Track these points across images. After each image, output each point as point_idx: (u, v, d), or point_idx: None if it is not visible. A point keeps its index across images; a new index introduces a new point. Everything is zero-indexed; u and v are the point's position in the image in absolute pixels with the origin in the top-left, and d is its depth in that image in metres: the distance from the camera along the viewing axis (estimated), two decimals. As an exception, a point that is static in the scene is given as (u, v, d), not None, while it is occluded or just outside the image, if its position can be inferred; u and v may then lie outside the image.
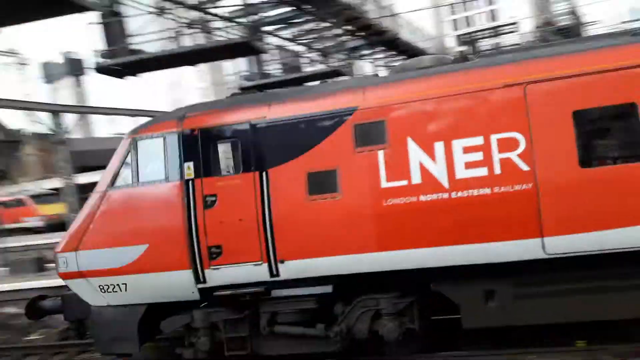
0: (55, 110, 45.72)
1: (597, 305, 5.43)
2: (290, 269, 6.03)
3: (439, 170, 5.64)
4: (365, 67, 27.56)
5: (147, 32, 12.44)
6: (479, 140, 5.57)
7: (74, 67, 67.50)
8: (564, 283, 5.50)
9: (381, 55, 26.51)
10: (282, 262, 6.05)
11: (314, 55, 21.68)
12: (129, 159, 6.64)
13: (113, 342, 6.72)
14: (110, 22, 11.71)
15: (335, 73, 19.63)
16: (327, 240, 5.91)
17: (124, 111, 17.95)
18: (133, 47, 12.19)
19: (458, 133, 5.66)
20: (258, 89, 9.18)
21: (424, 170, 5.69)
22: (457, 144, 5.63)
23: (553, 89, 5.46)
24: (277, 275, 6.06)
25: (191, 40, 13.65)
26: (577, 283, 5.46)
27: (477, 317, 5.87)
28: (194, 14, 13.53)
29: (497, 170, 5.47)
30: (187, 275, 6.23)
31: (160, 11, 12.29)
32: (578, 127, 5.32)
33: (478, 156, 5.55)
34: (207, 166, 6.36)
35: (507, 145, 5.48)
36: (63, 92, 65.15)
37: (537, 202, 5.30)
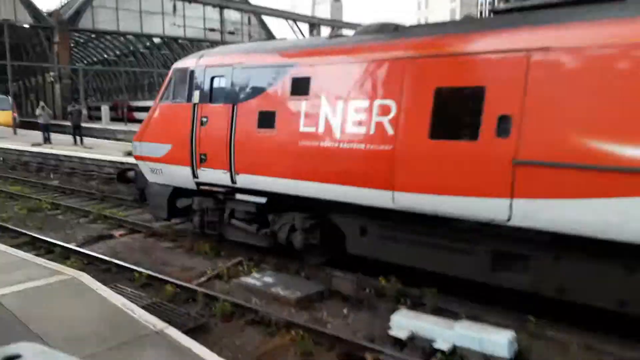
0: (312, 23, 51.52)
1: (434, 259, 6.45)
2: (241, 180, 7.99)
3: (335, 124, 6.89)
4: None
5: None
6: (366, 104, 6.61)
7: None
8: (409, 233, 6.65)
9: None
10: (237, 174, 8.00)
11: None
12: (171, 83, 9.13)
13: (155, 208, 9.73)
14: None
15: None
16: (264, 164, 7.66)
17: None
18: None
19: (354, 95, 6.71)
20: (515, 11, 7.65)
21: (326, 122, 6.97)
22: (351, 105, 6.74)
23: (423, 65, 6.15)
24: (235, 183, 8.08)
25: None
26: (419, 236, 6.55)
27: (356, 247, 7.31)
28: None
29: (372, 130, 6.51)
30: (188, 170, 8.67)
31: None
32: (435, 103, 5.96)
33: (363, 117, 6.61)
34: (206, 95, 8.48)
35: (383, 110, 6.42)
36: (321, 6, 72.62)
37: (393, 162, 6.29)
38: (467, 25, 6.51)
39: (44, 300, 5.51)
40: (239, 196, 8.31)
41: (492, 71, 5.65)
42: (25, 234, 9.80)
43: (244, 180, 7.97)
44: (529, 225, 5.47)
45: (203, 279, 7.58)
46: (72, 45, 51.38)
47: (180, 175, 8.90)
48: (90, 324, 4.90)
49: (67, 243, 9.19)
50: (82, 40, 57.99)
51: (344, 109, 6.77)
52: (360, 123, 6.61)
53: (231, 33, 45.12)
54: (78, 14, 46.55)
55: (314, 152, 7.07)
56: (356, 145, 6.62)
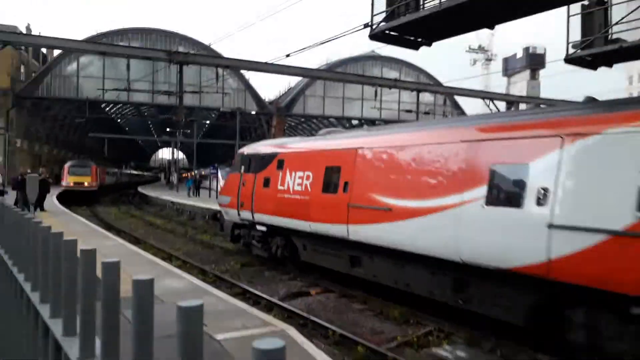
0: (510, 101, 50.22)
1: (330, 262, 11.25)
2: (256, 217, 13.42)
3: (291, 184, 12.09)
4: None
5: (629, 20, 11.43)
6: (302, 174, 11.82)
7: (534, 61, 71.21)
8: (320, 247, 11.44)
9: None
10: (255, 213, 13.44)
11: None
12: (234, 161, 15.86)
13: (226, 235, 15.97)
14: (592, 11, 11.48)
15: None
16: (265, 207, 13.05)
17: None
18: (613, 36, 11.59)
19: (299, 169, 11.97)
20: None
21: (288, 184, 12.19)
22: (298, 174, 11.96)
23: (320, 154, 11.55)
24: (254, 219, 13.57)
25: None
26: (323, 248, 11.32)
27: (303, 257, 12.30)
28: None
29: (302, 188, 11.65)
30: (236, 212, 14.46)
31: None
32: (325, 174, 11.02)
33: (300, 180, 11.79)
34: (246, 168, 14.44)
35: (307, 177, 11.58)
36: (518, 85, 70.20)
37: (308, 204, 11.30)
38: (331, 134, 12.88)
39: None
40: (257, 227, 13.75)
41: (342, 157, 10.61)
42: (239, 285, 11.17)
43: (257, 217, 13.46)
44: (355, 239, 9.83)
45: (393, 344, 7.58)
46: (285, 127, 58.79)
47: (233, 214, 14.77)
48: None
49: (271, 297, 10.17)
50: (293, 124, 66.05)
51: (294, 176, 12.06)
52: (299, 184, 11.81)
53: (426, 113, 46.54)
54: (293, 101, 53.62)
55: (283, 201, 12.30)
56: (297, 196, 11.75)
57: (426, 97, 52.79)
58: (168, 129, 55.21)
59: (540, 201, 6.49)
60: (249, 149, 14.96)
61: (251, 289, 10.74)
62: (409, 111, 44.79)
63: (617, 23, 11.79)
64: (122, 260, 6.81)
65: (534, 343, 7.05)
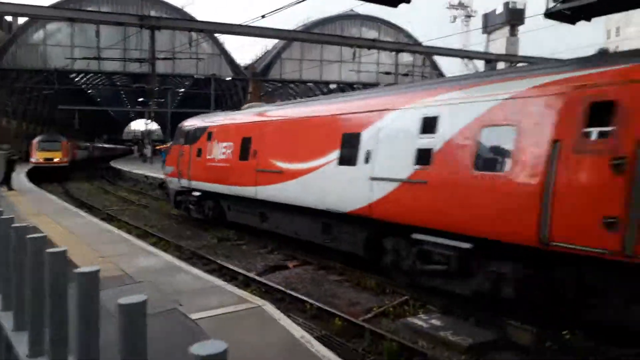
0: (488, 59, 49.66)
1: (249, 219, 13.48)
2: (192, 184, 15.53)
3: (217, 154, 14.16)
4: None
5: None
6: (225, 144, 13.96)
7: (513, 16, 70.58)
8: (241, 207, 13.62)
9: None
10: (191, 180, 15.59)
11: None
12: (175, 133, 18.36)
13: (170, 201, 18.08)
14: None
15: None
16: (198, 175, 15.11)
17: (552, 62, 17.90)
18: None
19: (223, 140, 14.12)
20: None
21: (215, 153, 14.31)
22: (222, 144, 14.07)
23: (239, 126, 13.82)
24: (190, 185, 15.71)
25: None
26: (243, 208, 13.56)
27: (229, 215, 14.55)
28: None
29: (225, 156, 13.78)
30: (177, 180, 16.63)
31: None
32: (242, 144, 13.11)
33: (224, 150, 13.86)
34: (184, 140, 16.55)
35: (229, 147, 13.71)
36: (497, 42, 69.58)
37: (229, 171, 13.44)
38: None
39: (233, 326, 5.95)
40: (193, 193, 15.72)
41: (253, 130, 12.96)
42: (215, 262, 11.02)
43: (194, 184, 15.50)
44: (261, 197, 12.04)
45: (369, 315, 7.57)
46: (262, 93, 57.77)
47: (175, 183, 16.72)
48: (275, 353, 5.14)
49: (249, 272, 10.05)
50: (270, 89, 64.91)
51: (220, 147, 14.15)
52: (223, 153, 13.89)
53: (405, 75, 46.00)
54: (269, 66, 52.44)
55: (212, 168, 14.35)
56: (221, 163, 13.89)
57: (405, 58, 52.11)
58: (141, 99, 53.86)
59: (367, 160, 8.98)
60: (188, 123, 16.89)
61: (228, 265, 10.60)
62: (388, 73, 44.21)
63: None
64: (94, 238, 6.55)
65: (506, 311, 7.07)
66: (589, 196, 5.64)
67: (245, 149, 12.82)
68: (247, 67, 52.65)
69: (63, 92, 51.23)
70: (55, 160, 33.68)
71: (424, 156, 7.87)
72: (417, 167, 7.91)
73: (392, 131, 8.61)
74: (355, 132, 9.36)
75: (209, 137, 14.77)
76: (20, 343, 1.49)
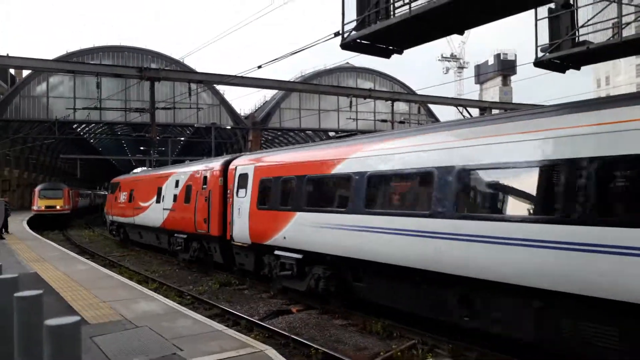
0: (483, 107, 50.44)
1: (148, 240, 21.37)
2: (113, 218, 25.74)
3: (121, 198, 23.91)
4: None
5: (595, 22, 11.94)
6: (124, 193, 23.58)
7: (505, 67, 72.78)
8: (142, 231, 21.85)
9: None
10: (113, 216, 25.97)
11: None
12: (110, 185, 29.02)
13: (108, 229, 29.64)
14: (559, 15, 11.69)
15: None
16: (114, 212, 25.21)
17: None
18: (580, 38, 11.90)
19: (123, 190, 24.16)
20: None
21: (120, 198, 24.19)
22: (123, 193, 23.94)
23: (129, 181, 24.00)
24: (112, 219, 26.09)
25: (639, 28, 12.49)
26: (142, 232, 21.68)
27: (130, 235, 23.72)
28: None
29: (124, 200, 23.58)
30: (109, 216, 27.37)
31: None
32: (130, 192, 22.62)
33: (124, 196, 23.53)
34: (111, 190, 27.14)
35: (125, 194, 23.48)
36: (490, 91, 71.45)
37: (125, 208, 23.15)
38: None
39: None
40: (114, 224, 25.81)
41: (131, 184, 23.01)
42: (217, 306, 10.81)
43: (114, 218, 25.17)
44: (137, 223, 21.57)
45: (376, 360, 7.38)
46: (262, 141, 58.45)
47: (108, 217, 26.67)
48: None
49: (251, 317, 9.85)
50: (270, 137, 65.74)
51: (121, 194, 23.86)
52: (123, 198, 23.40)
53: (401, 122, 46.80)
54: (269, 115, 53.35)
55: (119, 207, 24.00)
56: (122, 204, 23.45)
57: (401, 106, 53.20)
58: (142, 148, 54.31)
59: (162, 200, 18.34)
60: (113, 180, 27.15)
61: (230, 309, 10.41)
62: (385, 121, 44.99)
63: (583, 25, 12.00)
64: (95, 284, 6.49)
65: (516, 354, 6.92)
66: (203, 210, 14.81)
67: (130, 195, 22.34)
68: (247, 117, 53.53)
69: (65, 141, 51.83)
70: (57, 207, 33.98)
71: (174, 198, 17.34)
72: (173, 202, 17.44)
73: (169, 186, 18.11)
74: (160, 186, 18.92)
75: (119, 188, 24.66)
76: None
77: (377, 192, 8.78)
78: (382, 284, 8.83)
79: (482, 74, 74.53)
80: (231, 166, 13.73)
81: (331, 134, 58.37)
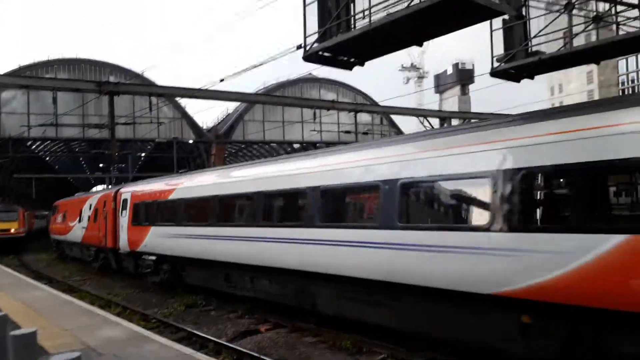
0: (442, 117, 51.22)
1: (72, 253, 27.53)
2: (55, 236, 31.50)
3: (59, 219, 28.68)
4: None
5: (547, 33, 12.38)
6: (61, 214, 28.31)
7: (463, 76, 74.81)
8: (69, 247, 27.22)
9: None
10: (54, 234, 31.91)
11: None
12: (52, 208, 33.83)
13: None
14: (513, 26, 12.04)
15: None
16: (55, 231, 30.75)
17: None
18: (533, 49, 12.28)
19: (60, 211, 29.03)
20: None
21: (58, 219, 28.88)
22: (60, 214, 28.68)
23: (64, 204, 29.07)
24: (54, 237, 32.06)
25: (588, 37, 13.09)
26: (70, 247, 26.90)
27: (66, 250, 28.36)
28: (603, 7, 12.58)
29: (62, 220, 27.78)
30: (53, 235, 32.76)
31: (569, 6, 11.81)
32: (64, 214, 27.82)
33: (61, 216, 28.71)
34: (53, 212, 32.19)
35: (63, 215, 27.75)
36: (449, 101, 73.19)
37: (63, 228, 27.74)
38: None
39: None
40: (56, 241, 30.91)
41: (66, 206, 27.83)
42: (184, 329, 10.50)
43: (55, 237, 30.32)
44: (70, 240, 26.06)
45: (347, 377, 7.29)
46: (225, 155, 57.84)
47: (53, 236, 31.38)
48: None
49: (219, 339, 9.61)
50: (233, 150, 65.13)
51: (60, 215, 28.51)
52: (61, 218, 27.74)
53: (365, 133, 47.20)
54: (232, 127, 52.84)
55: (57, 226, 29.08)
56: (60, 224, 28.17)
57: (364, 117, 53.70)
58: (101, 165, 52.80)
59: (81, 220, 23.57)
60: (55, 203, 31.41)
61: (197, 332, 10.13)
62: (348, 132, 45.26)
63: (535, 36, 12.43)
64: (55, 311, 6.17)
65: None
66: (103, 228, 19.29)
67: (64, 216, 26.43)
68: (209, 130, 52.86)
69: (19, 160, 49.78)
70: (12, 231, 32.37)
71: (88, 218, 21.14)
72: (87, 222, 21.40)
73: (86, 209, 21.66)
74: (81, 208, 22.30)
75: (58, 210, 29.19)
76: None
77: (186, 212, 13.69)
78: (195, 272, 13.71)
79: (441, 85, 76.33)
80: (119, 193, 18.50)
81: (296, 146, 58.39)
